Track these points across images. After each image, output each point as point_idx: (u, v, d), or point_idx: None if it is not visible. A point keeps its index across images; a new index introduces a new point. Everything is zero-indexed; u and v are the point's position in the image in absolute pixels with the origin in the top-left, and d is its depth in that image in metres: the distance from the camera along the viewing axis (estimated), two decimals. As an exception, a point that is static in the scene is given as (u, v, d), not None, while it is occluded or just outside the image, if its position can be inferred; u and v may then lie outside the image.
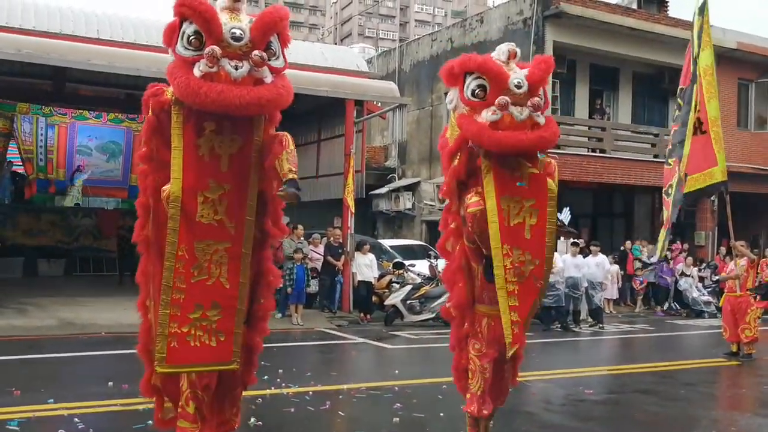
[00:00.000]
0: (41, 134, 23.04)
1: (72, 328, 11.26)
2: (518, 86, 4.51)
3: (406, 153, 23.56)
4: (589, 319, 14.36)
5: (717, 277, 16.75)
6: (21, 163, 22.58)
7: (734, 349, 10.75)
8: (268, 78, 3.98)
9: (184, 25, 3.97)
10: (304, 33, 77.48)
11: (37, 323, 11.44)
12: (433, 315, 13.27)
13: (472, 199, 4.69)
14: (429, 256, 17.23)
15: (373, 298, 14.31)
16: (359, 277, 14.03)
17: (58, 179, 23.93)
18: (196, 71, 3.84)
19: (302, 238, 14.62)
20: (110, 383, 7.18)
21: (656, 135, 20.45)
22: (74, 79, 15.59)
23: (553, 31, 18.51)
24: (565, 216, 17.43)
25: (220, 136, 4.04)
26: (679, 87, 10.32)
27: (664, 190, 10.21)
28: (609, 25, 18.89)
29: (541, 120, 4.57)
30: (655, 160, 19.94)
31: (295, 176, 4.15)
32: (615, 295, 16.87)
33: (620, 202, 22.71)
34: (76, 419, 5.90)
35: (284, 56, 4.16)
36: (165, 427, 4.44)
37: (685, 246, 18.94)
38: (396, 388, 7.40)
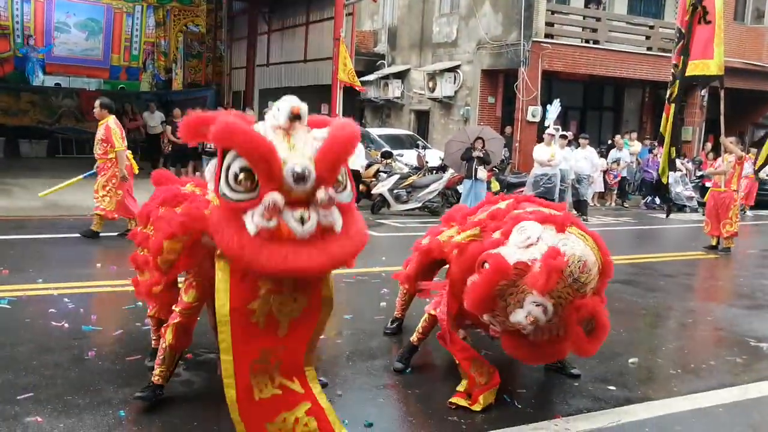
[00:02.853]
0: (17, 9, 22.21)
1: (57, 209, 11.23)
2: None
3: (396, 39, 22.96)
4: (574, 211, 14.52)
5: (701, 172, 16.87)
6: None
7: (714, 243, 10.95)
8: (338, 222, 3.15)
9: (228, 157, 3.07)
10: None
11: (22, 204, 11.42)
12: (419, 204, 13.36)
13: None
14: (417, 146, 17.18)
15: (360, 187, 14.33)
16: (346, 165, 13.96)
17: (36, 57, 23.27)
18: (250, 226, 3.01)
19: (289, 124, 14.45)
20: (98, 265, 7.23)
21: (651, 27, 20.01)
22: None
23: None
24: (555, 108, 17.33)
25: (280, 296, 3.24)
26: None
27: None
28: None
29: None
30: (648, 53, 19.62)
31: None
32: (601, 188, 17.00)
33: (610, 96, 22.49)
34: (65, 299, 5.97)
35: (352, 183, 3.33)
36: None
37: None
38: (383, 274, 7.52)
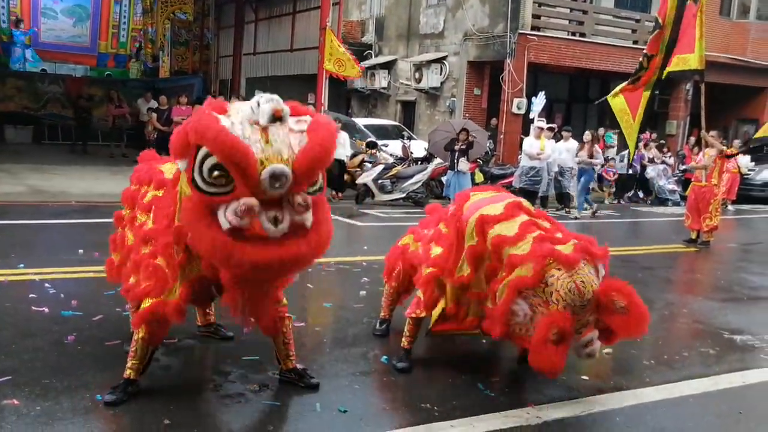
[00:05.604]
0: (3, -7, 21.99)
1: (42, 195, 11.20)
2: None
3: (383, 29, 22.94)
4: (556, 203, 14.64)
5: (684, 167, 16.99)
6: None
7: (693, 236, 11.06)
8: (310, 220, 3.22)
9: (203, 150, 3.05)
10: None
11: (6, 189, 11.35)
12: (404, 195, 13.41)
13: None
14: (402, 137, 17.22)
15: (345, 177, 14.36)
16: (332, 155, 13.95)
17: (23, 43, 23.03)
18: (222, 221, 3.06)
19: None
20: (81, 251, 7.24)
21: (638, 21, 20.11)
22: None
23: None
24: (540, 100, 17.40)
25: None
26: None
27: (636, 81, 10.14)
28: None
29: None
30: (634, 46, 19.70)
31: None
32: (594, 184, 16.99)
33: (596, 89, 22.58)
34: (47, 284, 5.99)
35: (323, 175, 3.35)
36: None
37: (654, 135, 19.03)
38: (364, 263, 7.57)
